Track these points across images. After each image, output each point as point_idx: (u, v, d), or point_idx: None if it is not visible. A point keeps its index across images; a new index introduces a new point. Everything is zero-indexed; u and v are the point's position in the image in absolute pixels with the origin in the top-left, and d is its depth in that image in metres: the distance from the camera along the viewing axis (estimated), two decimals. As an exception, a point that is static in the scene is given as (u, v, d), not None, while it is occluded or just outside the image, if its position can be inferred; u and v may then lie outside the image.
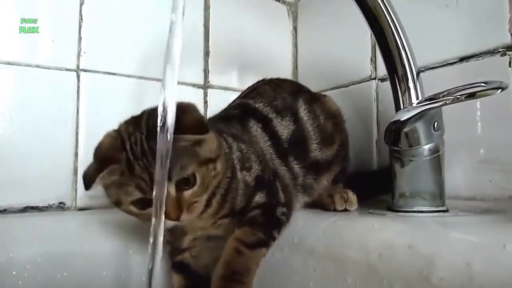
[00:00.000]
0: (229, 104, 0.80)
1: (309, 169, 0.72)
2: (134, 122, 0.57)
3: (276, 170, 0.66)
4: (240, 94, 0.83)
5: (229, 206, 0.59)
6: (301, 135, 0.72)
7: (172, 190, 0.51)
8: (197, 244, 0.65)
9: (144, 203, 0.51)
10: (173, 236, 0.64)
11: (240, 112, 0.73)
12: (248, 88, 0.84)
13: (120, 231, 0.75)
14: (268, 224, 0.60)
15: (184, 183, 0.52)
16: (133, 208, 0.53)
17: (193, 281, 0.64)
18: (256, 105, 0.73)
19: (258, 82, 0.83)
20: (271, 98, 0.75)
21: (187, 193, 0.52)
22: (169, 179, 0.49)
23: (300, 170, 0.71)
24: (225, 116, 0.74)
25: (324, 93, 0.90)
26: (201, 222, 0.60)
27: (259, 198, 0.61)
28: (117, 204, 0.54)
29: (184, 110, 0.51)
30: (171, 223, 0.52)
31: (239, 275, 0.55)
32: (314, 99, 0.79)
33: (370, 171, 0.91)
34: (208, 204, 0.57)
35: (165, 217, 0.49)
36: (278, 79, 0.84)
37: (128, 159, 0.51)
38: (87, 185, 0.53)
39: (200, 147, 0.53)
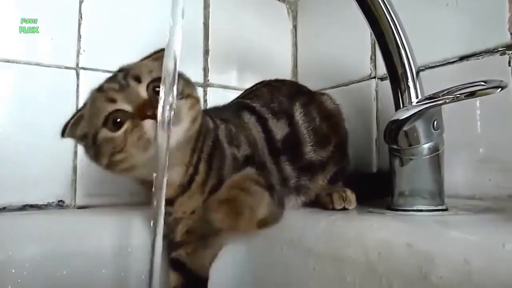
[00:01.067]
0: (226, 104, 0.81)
1: (303, 170, 0.72)
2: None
3: (264, 163, 0.66)
4: (238, 96, 0.83)
5: (216, 175, 0.59)
6: (295, 139, 0.72)
7: (143, 90, 0.52)
8: (191, 240, 0.64)
9: (116, 120, 0.51)
10: (167, 227, 0.62)
11: (236, 107, 0.75)
12: (246, 90, 0.84)
13: (119, 230, 0.74)
14: (268, 184, 0.59)
15: (156, 85, 0.51)
16: (106, 133, 0.51)
17: (189, 280, 0.64)
18: (253, 104, 0.74)
19: (256, 84, 0.84)
20: (268, 100, 0.75)
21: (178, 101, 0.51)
22: (139, 81, 0.52)
23: (292, 172, 0.71)
24: (219, 107, 0.76)
25: (323, 92, 0.90)
26: (192, 200, 0.59)
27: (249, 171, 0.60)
28: (94, 136, 0.53)
29: None
30: (150, 128, 0.49)
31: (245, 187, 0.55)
32: (312, 101, 0.79)
33: (370, 173, 0.91)
34: (195, 170, 0.57)
35: (141, 118, 0.49)
36: (276, 80, 0.84)
37: (99, 86, 0.55)
38: (62, 132, 0.57)
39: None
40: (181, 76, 0.55)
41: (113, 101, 0.51)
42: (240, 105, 0.76)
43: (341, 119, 0.80)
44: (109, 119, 0.51)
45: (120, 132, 0.51)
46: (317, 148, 0.74)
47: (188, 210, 0.61)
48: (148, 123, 0.49)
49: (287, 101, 0.76)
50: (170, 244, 0.64)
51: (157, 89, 0.50)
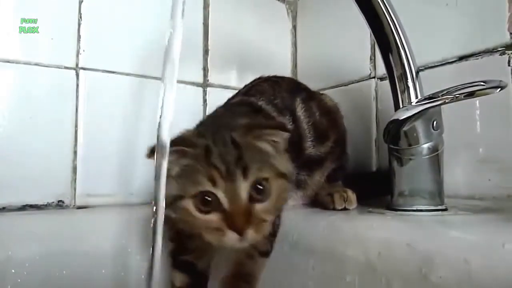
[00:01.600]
0: (229, 100, 0.78)
1: (302, 166, 0.72)
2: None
3: None
4: (239, 91, 0.83)
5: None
6: (297, 134, 0.72)
7: (245, 191, 0.47)
8: (202, 245, 0.63)
9: (207, 203, 0.47)
10: (180, 236, 0.62)
11: (248, 111, 0.71)
12: (246, 85, 0.83)
13: (119, 230, 0.74)
14: (272, 235, 0.60)
15: (257, 192, 0.48)
16: (191, 207, 0.48)
17: (195, 279, 0.64)
18: (259, 103, 0.73)
19: (255, 79, 0.83)
20: (271, 96, 0.74)
21: (260, 206, 0.48)
22: (244, 176, 0.47)
23: (293, 169, 0.71)
24: (229, 110, 0.72)
25: (323, 92, 0.91)
26: None
27: None
28: (178, 198, 0.49)
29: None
30: (231, 239, 0.46)
31: (248, 276, 0.56)
32: (311, 97, 0.79)
33: (369, 172, 0.91)
34: None
35: (229, 226, 0.46)
36: (275, 76, 0.84)
37: (207, 144, 0.49)
38: (150, 152, 0.48)
39: (278, 155, 0.52)
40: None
41: (214, 184, 0.47)
42: (251, 108, 0.72)
43: (340, 116, 0.80)
44: (200, 195, 0.48)
45: (203, 217, 0.48)
46: (316, 143, 0.73)
47: None
48: (232, 237, 0.47)
49: (289, 96, 0.76)
50: (179, 248, 0.64)
51: (259, 187, 0.48)
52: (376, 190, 0.74)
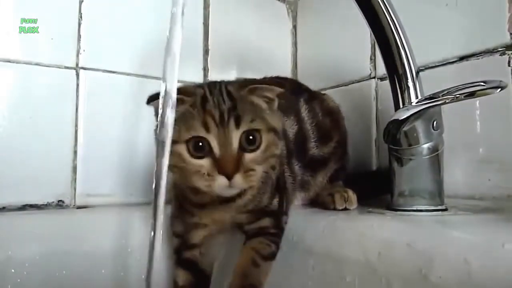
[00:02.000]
0: None
1: (306, 166, 0.72)
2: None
3: (284, 173, 0.67)
4: None
5: (257, 201, 0.60)
6: (302, 135, 0.73)
7: (236, 139, 0.50)
8: (206, 242, 0.64)
9: (199, 149, 0.49)
10: (185, 232, 0.63)
11: None
12: None
13: (119, 230, 0.74)
14: (278, 235, 0.61)
15: (248, 142, 0.50)
16: (184, 152, 0.50)
17: (198, 278, 0.64)
18: None
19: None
20: None
21: (249, 155, 0.50)
22: (237, 125, 0.49)
23: (299, 169, 0.71)
24: None
25: (323, 92, 0.91)
26: (220, 214, 0.60)
27: (275, 202, 0.61)
28: (172, 142, 0.50)
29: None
30: (220, 183, 0.49)
31: (253, 287, 0.56)
32: (314, 97, 0.79)
33: (369, 172, 0.91)
34: (243, 193, 0.57)
35: (218, 171, 0.48)
36: (278, 77, 0.84)
37: (203, 93, 0.52)
38: (150, 98, 0.51)
39: (270, 112, 0.54)
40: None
41: (207, 130, 0.49)
42: None
43: (341, 117, 0.81)
44: (193, 140, 0.50)
45: (194, 162, 0.50)
46: (320, 144, 0.74)
47: (217, 219, 0.61)
48: (220, 181, 0.49)
49: (292, 97, 0.76)
50: (183, 244, 0.64)
51: (250, 137, 0.50)
52: (376, 190, 0.74)
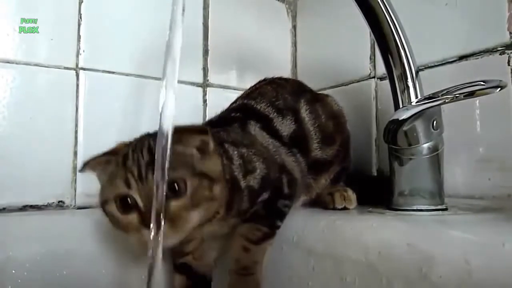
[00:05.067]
0: (231, 105, 0.79)
1: (309, 168, 0.72)
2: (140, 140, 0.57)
3: (283, 163, 0.66)
4: (242, 94, 0.83)
5: (235, 212, 0.60)
6: (302, 135, 0.72)
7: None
8: (200, 247, 0.65)
9: (126, 205, 0.50)
10: None
11: (242, 114, 0.73)
12: (250, 88, 0.83)
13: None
14: (270, 217, 0.61)
15: (172, 190, 0.50)
16: (114, 209, 0.51)
17: (195, 281, 0.65)
18: (258, 106, 0.73)
19: (260, 81, 0.83)
20: (273, 98, 0.75)
21: (176, 202, 0.50)
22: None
23: (304, 167, 0.71)
24: (226, 118, 0.73)
25: (323, 92, 0.91)
26: (213, 226, 0.59)
27: (263, 197, 0.61)
28: (104, 203, 0.53)
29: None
30: (148, 237, 0.47)
31: (248, 269, 0.56)
32: (316, 99, 0.79)
33: (371, 176, 0.91)
34: (214, 215, 0.57)
35: (144, 224, 0.48)
36: (280, 78, 0.84)
37: (126, 152, 0.53)
38: (83, 165, 0.56)
39: (202, 160, 0.53)
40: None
41: (128, 185, 0.50)
42: (245, 111, 0.73)
43: (345, 120, 0.80)
44: (119, 197, 0.51)
45: (123, 218, 0.51)
46: (323, 146, 0.74)
47: (207, 231, 0.61)
48: (147, 235, 0.47)
49: (292, 98, 0.76)
50: (177, 251, 0.64)
51: (173, 186, 0.50)
52: (376, 193, 0.74)
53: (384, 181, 0.67)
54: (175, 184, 0.50)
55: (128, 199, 0.50)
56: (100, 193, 0.55)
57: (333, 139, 0.76)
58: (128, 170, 0.51)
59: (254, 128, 0.69)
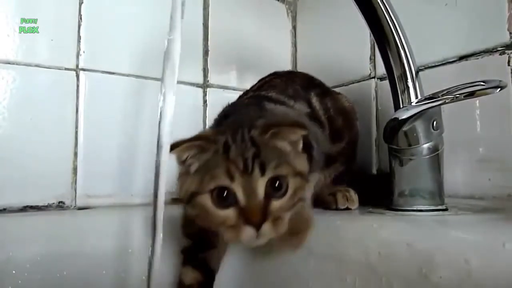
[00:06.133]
0: (240, 97, 0.78)
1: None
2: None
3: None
4: (252, 88, 0.82)
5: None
6: (316, 119, 0.71)
7: (261, 187, 0.47)
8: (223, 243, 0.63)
9: (224, 198, 0.47)
10: (204, 233, 0.60)
11: (256, 100, 0.71)
12: (259, 81, 0.83)
13: (119, 231, 0.74)
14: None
15: (274, 188, 0.48)
16: (208, 203, 0.48)
17: (207, 278, 0.63)
18: (269, 94, 0.72)
19: (270, 74, 0.83)
20: (283, 88, 0.74)
21: (277, 202, 0.48)
22: (262, 172, 0.47)
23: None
24: (241, 107, 0.70)
25: (322, 83, 0.90)
26: None
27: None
28: (195, 194, 0.49)
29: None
30: (247, 234, 0.46)
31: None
32: (326, 93, 0.79)
33: (371, 175, 0.91)
34: None
35: (245, 221, 0.46)
36: (289, 72, 0.83)
37: (226, 141, 0.50)
38: (173, 146, 0.48)
39: (295, 154, 0.52)
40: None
41: (231, 179, 0.47)
42: (258, 99, 0.72)
43: (355, 117, 0.79)
44: (217, 190, 0.48)
45: (219, 212, 0.48)
46: (330, 140, 0.73)
47: None
48: (248, 232, 0.46)
49: (302, 89, 0.76)
50: (199, 245, 0.63)
51: (276, 184, 0.48)
52: (377, 192, 0.74)
53: (384, 177, 0.67)
54: (278, 182, 0.48)
55: (225, 192, 0.47)
56: (188, 183, 0.51)
57: (341, 136, 0.74)
58: (232, 161, 0.48)
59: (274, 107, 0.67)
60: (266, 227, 0.46)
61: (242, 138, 0.50)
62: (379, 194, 0.70)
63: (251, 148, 0.49)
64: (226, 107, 0.70)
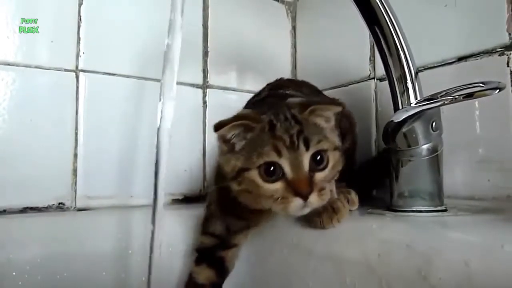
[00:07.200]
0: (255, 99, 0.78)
1: None
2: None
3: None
4: (264, 88, 0.82)
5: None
6: None
7: (306, 161, 0.51)
8: (245, 240, 0.67)
9: (272, 173, 0.50)
10: (226, 233, 0.65)
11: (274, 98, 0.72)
12: (268, 84, 0.83)
13: (119, 232, 0.75)
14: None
15: (317, 162, 0.52)
16: (257, 178, 0.51)
17: (220, 276, 0.66)
18: (286, 92, 0.74)
19: (276, 80, 0.84)
20: (297, 88, 0.76)
21: (319, 174, 0.52)
22: (306, 147, 0.51)
23: None
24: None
25: (323, 92, 0.90)
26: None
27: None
28: (243, 170, 0.52)
29: None
30: (296, 205, 0.50)
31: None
32: (329, 99, 0.80)
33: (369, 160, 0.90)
34: None
35: (294, 193, 0.49)
36: (291, 79, 0.86)
37: (270, 120, 0.53)
38: (217, 126, 0.52)
39: (330, 130, 0.56)
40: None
41: (278, 154, 0.50)
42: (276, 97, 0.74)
43: (355, 123, 0.82)
44: (264, 165, 0.51)
45: (268, 186, 0.51)
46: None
47: (269, 220, 0.63)
48: (296, 203, 0.50)
49: (312, 93, 0.78)
50: (220, 244, 0.66)
51: (318, 158, 0.52)
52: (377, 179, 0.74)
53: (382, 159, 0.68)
54: (320, 156, 0.52)
55: (272, 167, 0.51)
56: (234, 160, 0.53)
57: (345, 137, 0.76)
58: (278, 138, 0.51)
59: None
60: (313, 197, 0.50)
61: (285, 117, 0.53)
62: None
63: (295, 126, 0.52)
64: (248, 104, 0.74)
